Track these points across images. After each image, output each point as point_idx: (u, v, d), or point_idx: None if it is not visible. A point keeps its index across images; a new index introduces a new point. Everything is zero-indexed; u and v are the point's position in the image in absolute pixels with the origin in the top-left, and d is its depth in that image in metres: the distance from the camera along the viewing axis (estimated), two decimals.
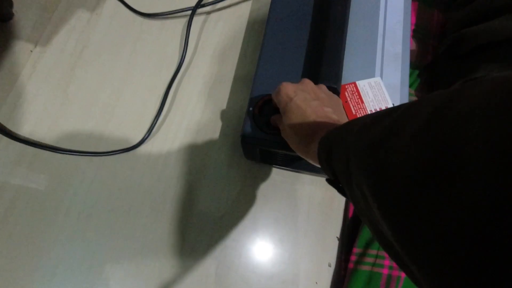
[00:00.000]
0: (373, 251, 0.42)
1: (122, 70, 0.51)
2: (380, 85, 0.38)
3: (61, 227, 0.43)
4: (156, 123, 0.48)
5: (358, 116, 0.36)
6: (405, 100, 0.38)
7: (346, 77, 0.38)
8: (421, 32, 0.54)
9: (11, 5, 0.51)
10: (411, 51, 0.53)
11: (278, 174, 0.47)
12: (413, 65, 0.51)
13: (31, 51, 0.50)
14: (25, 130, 0.47)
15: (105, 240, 0.43)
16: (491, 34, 0.36)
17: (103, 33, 0.53)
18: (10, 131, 0.46)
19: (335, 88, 0.35)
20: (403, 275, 0.41)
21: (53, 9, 0.53)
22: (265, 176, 0.47)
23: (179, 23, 0.54)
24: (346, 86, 0.38)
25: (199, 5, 0.52)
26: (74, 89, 0.49)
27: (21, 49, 0.50)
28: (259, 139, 0.37)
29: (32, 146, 0.45)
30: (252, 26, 0.55)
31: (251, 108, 0.38)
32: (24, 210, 0.43)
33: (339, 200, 0.47)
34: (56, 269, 0.41)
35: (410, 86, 0.50)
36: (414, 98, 0.49)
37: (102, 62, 0.51)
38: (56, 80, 0.49)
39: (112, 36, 0.53)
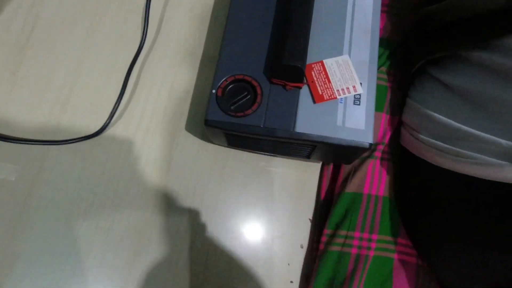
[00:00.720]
0: (342, 232, 0.42)
1: (78, 50, 0.47)
2: (348, 63, 0.36)
3: (19, 220, 0.40)
4: (117, 108, 0.45)
5: (325, 96, 0.35)
6: (374, 78, 0.36)
7: (312, 56, 0.36)
8: (396, 7, 0.52)
9: None
10: (385, 27, 0.52)
11: (248, 157, 0.46)
12: (386, 42, 0.50)
13: None
14: None
15: (69, 231, 0.41)
16: (458, 11, 0.35)
17: (54, 9, 0.48)
18: None
19: (300, 67, 0.33)
20: (371, 253, 0.41)
21: None
22: (234, 160, 0.46)
23: None
24: (313, 65, 0.36)
25: None
26: (25, 72, 0.45)
27: None
28: (223, 123, 0.35)
29: None
30: (221, 0, 0.51)
31: (214, 91, 0.36)
32: None
33: (312, 182, 0.47)
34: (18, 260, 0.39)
35: (383, 64, 0.49)
36: (384, 77, 0.48)
37: (54, 41, 0.47)
38: (3, 63, 0.45)
39: (65, 13, 0.48)
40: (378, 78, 0.39)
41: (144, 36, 0.47)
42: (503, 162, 0.31)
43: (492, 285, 0.34)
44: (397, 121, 0.47)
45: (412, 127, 0.42)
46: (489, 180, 0.32)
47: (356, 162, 0.45)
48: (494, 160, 0.32)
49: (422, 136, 0.39)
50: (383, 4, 0.45)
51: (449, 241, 0.37)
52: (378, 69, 0.42)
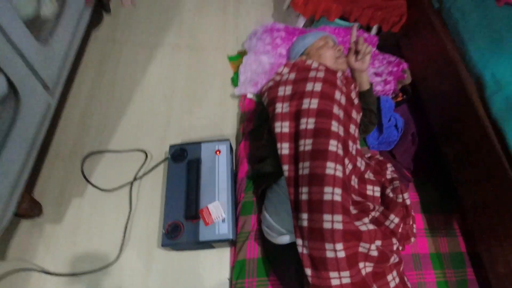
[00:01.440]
0: (239, 280, 0.87)
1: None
2: (218, 205, 0.87)
3: None
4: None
5: (209, 222, 0.84)
6: (231, 209, 0.87)
7: (203, 204, 0.86)
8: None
9: None
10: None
11: (181, 255, 0.92)
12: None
13: None
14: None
15: None
16: (262, 172, 0.88)
17: None
18: None
19: (196, 214, 0.83)
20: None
21: None
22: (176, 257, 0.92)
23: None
24: (203, 209, 0.86)
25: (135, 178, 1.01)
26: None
27: None
28: (169, 244, 0.83)
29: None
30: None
31: (163, 231, 0.84)
32: None
33: (227, 256, 0.93)
34: None
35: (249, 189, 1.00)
36: (250, 194, 0.99)
37: None
38: None
39: None
40: (246, 197, 0.89)
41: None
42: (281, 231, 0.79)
43: None
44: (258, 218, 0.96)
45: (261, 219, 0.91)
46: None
47: (239, 244, 0.92)
48: (275, 235, 0.80)
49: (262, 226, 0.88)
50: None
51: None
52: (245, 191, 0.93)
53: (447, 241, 1.08)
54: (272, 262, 0.88)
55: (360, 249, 0.67)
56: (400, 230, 0.92)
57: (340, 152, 0.74)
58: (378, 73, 1.27)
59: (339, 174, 0.70)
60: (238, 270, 0.89)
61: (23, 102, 0.69)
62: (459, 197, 1.04)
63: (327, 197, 0.67)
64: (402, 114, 1.25)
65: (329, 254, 0.65)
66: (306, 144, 0.75)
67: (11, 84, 0.65)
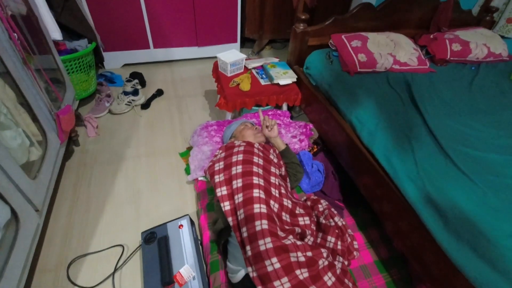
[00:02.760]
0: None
1: None
2: (188, 268, 1.06)
3: None
4: None
5: (182, 283, 1.02)
6: (199, 269, 1.06)
7: (175, 270, 1.05)
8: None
9: None
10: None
11: None
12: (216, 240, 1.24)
13: None
14: None
15: None
16: (219, 227, 1.12)
17: None
18: None
19: (170, 279, 1.01)
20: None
21: None
22: None
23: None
24: (176, 274, 1.05)
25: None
26: None
27: None
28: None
29: None
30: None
31: None
32: None
33: None
34: None
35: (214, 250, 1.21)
36: (216, 255, 1.19)
37: None
38: None
39: None
40: (212, 258, 1.09)
41: None
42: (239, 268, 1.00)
43: None
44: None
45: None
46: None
47: None
48: (235, 275, 1.00)
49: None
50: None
51: None
52: (211, 253, 1.14)
53: (386, 248, 1.32)
54: None
55: (292, 259, 0.90)
56: (339, 247, 1.17)
57: (263, 196, 1.03)
58: (294, 135, 1.67)
59: (263, 211, 0.98)
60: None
61: (21, 224, 0.92)
62: (373, 210, 1.33)
63: (258, 228, 0.93)
64: (321, 160, 1.62)
65: (269, 268, 0.87)
66: (239, 197, 1.04)
67: (13, 212, 0.89)
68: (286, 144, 1.46)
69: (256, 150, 1.23)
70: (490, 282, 0.82)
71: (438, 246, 0.97)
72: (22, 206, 0.93)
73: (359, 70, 1.59)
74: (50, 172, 1.18)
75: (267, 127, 1.42)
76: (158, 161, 1.68)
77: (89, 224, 1.35)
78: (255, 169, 1.12)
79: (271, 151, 1.32)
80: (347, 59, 1.61)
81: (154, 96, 2.17)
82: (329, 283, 0.95)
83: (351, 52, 1.63)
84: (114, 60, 2.45)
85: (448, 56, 1.75)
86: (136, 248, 1.26)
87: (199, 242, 1.25)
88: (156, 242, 1.16)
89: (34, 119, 1.12)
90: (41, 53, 1.33)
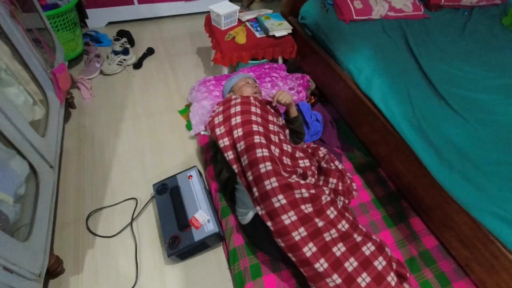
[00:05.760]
0: (235, 261, 1.11)
1: None
2: (202, 213, 1.14)
3: None
4: None
5: (198, 226, 1.10)
6: (211, 213, 1.14)
7: (190, 214, 1.13)
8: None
9: None
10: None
11: (189, 262, 1.15)
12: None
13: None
14: None
15: None
16: (224, 176, 1.19)
17: None
18: None
19: (186, 224, 1.09)
20: (247, 264, 1.10)
21: None
22: (184, 264, 1.15)
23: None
24: (192, 218, 1.12)
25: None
26: None
27: None
28: (172, 252, 1.06)
29: None
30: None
31: (166, 244, 1.08)
32: None
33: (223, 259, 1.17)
34: None
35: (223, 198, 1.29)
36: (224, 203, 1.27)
37: None
38: None
39: None
40: (222, 204, 1.18)
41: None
42: (247, 210, 1.09)
43: None
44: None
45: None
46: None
47: (227, 238, 1.18)
48: (245, 217, 1.09)
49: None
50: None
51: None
52: (220, 200, 1.22)
53: (381, 188, 1.42)
54: (252, 242, 1.15)
55: (296, 196, 0.98)
56: (340, 187, 1.25)
57: (264, 141, 1.08)
58: (291, 87, 1.69)
59: (266, 154, 1.04)
60: (232, 256, 1.14)
61: (40, 179, 0.95)
62: (371, 153, 1.41)
63: (262, 170, 1.00)
64: (319, 110, 1.67)
65: (277, 205, 0.95)
66: (241, 145, 1.09)
67: (31, 167, 0.92)
68: (298, 114, 1.42)
69: (252, 100, 1.26)
70: (477, 203, 0.93)
71: (431, 179, 1.07)
72: (38, 162, 0.95)
73: (354, 18, 1.57)
74: (56, 131, 1.18)
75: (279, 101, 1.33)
76: (157, 120, 1.69)
77: (99, 182, 1.39)
78: (253, 117, 1.16)
79: (269, 107, 1.35)
80: (342, 7, 1.58)
81: (145, 55, 2.10)
82: (332, 216, 1.04)
83: None
84: (98, 19, 2.31)
85: (443, 1, 1.74)
86: (149, 200, 1.32)
87: (208, 191, 1.32)
88: (168, 192, 1.22)
89: (33, 78, 1.09)
90: (26, 11, 1.26)
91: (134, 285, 1.09)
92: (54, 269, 1.03)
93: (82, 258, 1.15)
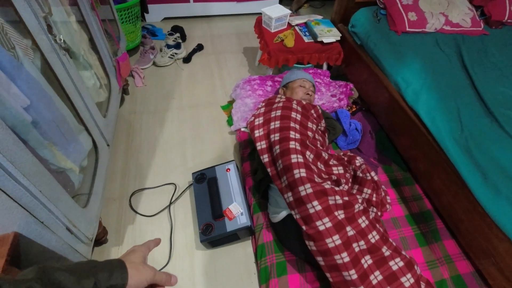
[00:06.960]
0: (263, 257, 1.15)
1: None
2: (236, 205, 1.19)
3: None
4: None
5: (232, 217, 1.16)
6: (245, 207, 1.19)
7: (225, 205, 1.19)
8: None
9: None
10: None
11: (219, 250, 1.21)
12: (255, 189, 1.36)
13: None
14: None
15: None
16: (259, 177, 1.23)
17: None
18: None
19: (221, 214, 1.15)
20: (274, 261, 1.13)
21: None
22: (215, 251, 1.21)
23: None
24: (226, 210, 1.18)
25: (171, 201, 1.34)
26: None
27: None
28: (205, 239, 1.13)
29: None
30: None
31: (200, 230, 1.15)
32: None
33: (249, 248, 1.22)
34: None
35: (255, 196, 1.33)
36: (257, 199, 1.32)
37: None
38: None
39: None
40: (254, 201, 1.22)
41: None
42: (280, 209, 1.12)
43: None
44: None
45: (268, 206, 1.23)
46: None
47: (257, 233, 1.22)
48: (276, 215, 1.12)
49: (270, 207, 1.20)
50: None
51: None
52: (253, 197, 1.26)
53: (416, 204, 1.39)
54: (281, 240, 1.18)
55: (330, 202, 1.00)
56: (374, 198, 1.25)
57: (298, 147, 1.11)
58: (333, 94, 1.70)
59: (300, 160, 1.06)
60: (260, 251, 1.18)
61: (100, 154, 1.06)
62: (409, 168, 1.38)
63: (296, 176, 1.02)
64: (359, 120, 1.66)
65: (311, 210, 0.98)
66: (276, 150, 1.13)
67: (93, 143, 1.03)
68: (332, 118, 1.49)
69: (294, 105, 1.29)
70: None
71: (473, 202, 1.03)
72: (99, 139, 1.07)
73: (407, 29, 1.55)
74: (115, 113, 1.30)
75: None
76: (200, 112, 1.78)
77: (143, 164, 1.50)
78: (292, 124, 1.19)
79: (313, 111, 1.37)
80: (396, 18, 1.56)
81: (194, 51, 2.22)
82: (363, 225, 1.04)
83: (401, 10, 1.57)
84: (155, 14, 2.48)
85: (506, 18, 1.65)
86: (187, 187, 1.41)
87: (243, 186, 1.38)
88: (206, 181, 1.29)
89: (101, 63, 1.22)
90: (102, 4, 1.40)
91: (167, 264, 1.17)
92: (100, 238, 1.14)
93: (123, 232, 1.26)
